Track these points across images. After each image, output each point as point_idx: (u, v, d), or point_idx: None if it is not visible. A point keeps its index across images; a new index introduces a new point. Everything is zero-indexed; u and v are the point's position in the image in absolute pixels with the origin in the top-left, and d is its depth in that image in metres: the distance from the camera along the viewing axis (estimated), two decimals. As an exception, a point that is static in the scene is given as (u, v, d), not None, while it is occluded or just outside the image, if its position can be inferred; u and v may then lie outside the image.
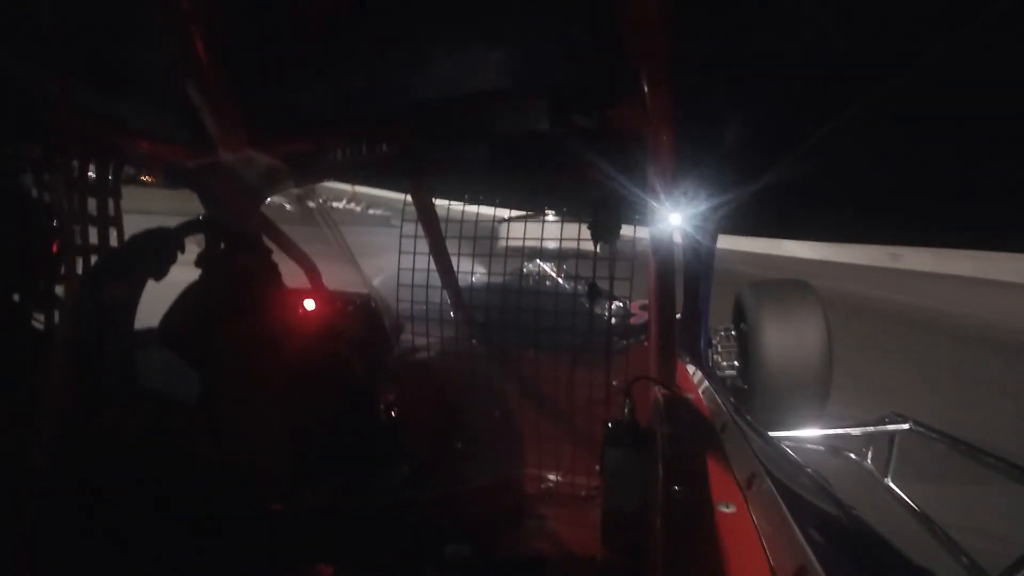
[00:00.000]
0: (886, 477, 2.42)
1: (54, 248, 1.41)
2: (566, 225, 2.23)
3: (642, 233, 1.81)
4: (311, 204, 3.24)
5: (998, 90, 1.41)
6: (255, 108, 1.76)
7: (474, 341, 2.42)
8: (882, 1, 1.15)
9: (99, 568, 1.00)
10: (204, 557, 1.08)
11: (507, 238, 3.10)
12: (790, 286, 3.56)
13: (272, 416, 1.53)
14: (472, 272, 2.63)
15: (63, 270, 1.48)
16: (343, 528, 1.08)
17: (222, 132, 1.74)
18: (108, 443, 1.17)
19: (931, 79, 1.29)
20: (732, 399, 3.03)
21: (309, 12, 1.47)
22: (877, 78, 1.28)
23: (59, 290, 1.45)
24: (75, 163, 1.53)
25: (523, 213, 2.97)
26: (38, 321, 1.36)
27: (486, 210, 2.34)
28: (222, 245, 1.70)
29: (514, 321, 2.09)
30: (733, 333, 3.55)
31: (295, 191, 3.10)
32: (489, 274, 2.20)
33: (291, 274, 2.38)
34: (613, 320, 2.17)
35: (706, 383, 2.30)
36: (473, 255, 2.30)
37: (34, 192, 1.35)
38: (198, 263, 1.63)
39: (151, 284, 1.47)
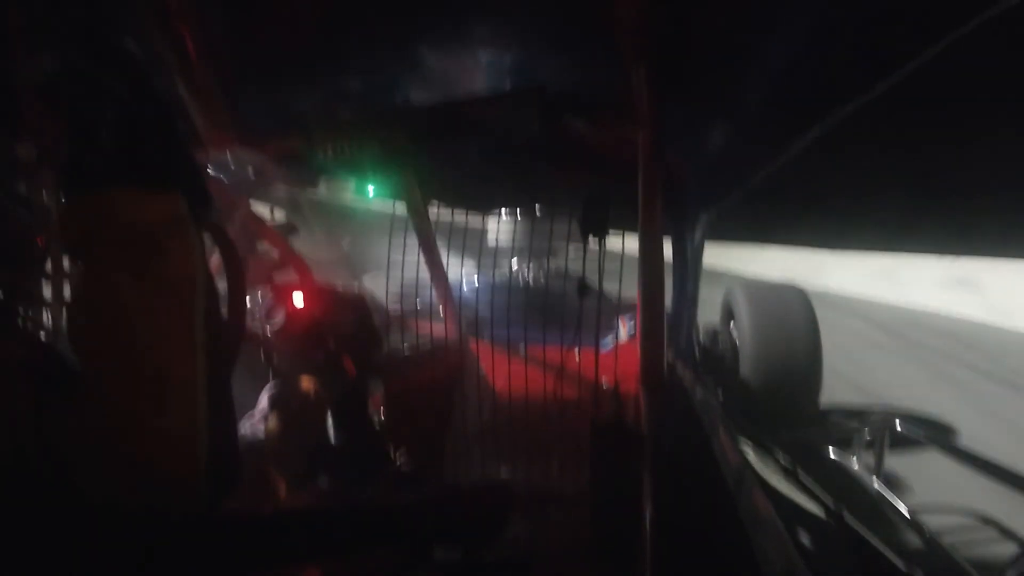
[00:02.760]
0: (875, 476, 2.42)
1: (40, 244, 1.39)
2: (555, 222, 2.23)
3: (631, 236, 1.80)
4: (301, 199, 3.22)
5: (985, 97, 1.42)
6: (245, 105, 1.75)
7: (463, 339, 2.41)
8: (870, 7, 1.15)
9: None
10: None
11: (497, 234, 3.09)
12: (780, 287, 3.57)
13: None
14: (461, 269, 2.63)
15: (48, 267, 1.47)
16: (331, 529, 1.07)
17: (211, 129, 1.73)
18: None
19: (918, 86, 1.30)
20: (721, 398, 3.05)
21: (300, 10, 1.47)
22: (865, 84, 1.28)
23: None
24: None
25: (512, 210, 2.96)
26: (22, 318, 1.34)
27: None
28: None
29: (503, 319, 2.09)
30: (721, 333, 3.55)
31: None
32: (478, 271, 2.19)
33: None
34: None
35: (695, 382, 2.30)
36: (463, 252, 2.29)
37: (21, 188, 1.33)
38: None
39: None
